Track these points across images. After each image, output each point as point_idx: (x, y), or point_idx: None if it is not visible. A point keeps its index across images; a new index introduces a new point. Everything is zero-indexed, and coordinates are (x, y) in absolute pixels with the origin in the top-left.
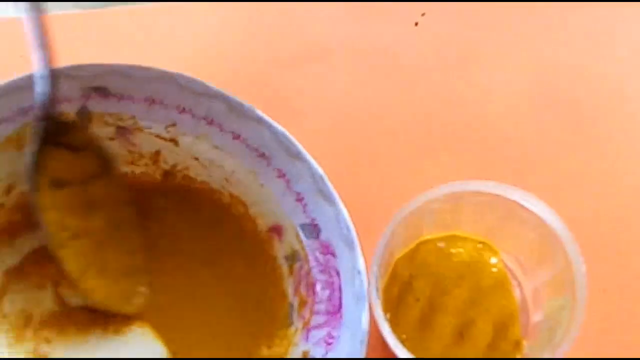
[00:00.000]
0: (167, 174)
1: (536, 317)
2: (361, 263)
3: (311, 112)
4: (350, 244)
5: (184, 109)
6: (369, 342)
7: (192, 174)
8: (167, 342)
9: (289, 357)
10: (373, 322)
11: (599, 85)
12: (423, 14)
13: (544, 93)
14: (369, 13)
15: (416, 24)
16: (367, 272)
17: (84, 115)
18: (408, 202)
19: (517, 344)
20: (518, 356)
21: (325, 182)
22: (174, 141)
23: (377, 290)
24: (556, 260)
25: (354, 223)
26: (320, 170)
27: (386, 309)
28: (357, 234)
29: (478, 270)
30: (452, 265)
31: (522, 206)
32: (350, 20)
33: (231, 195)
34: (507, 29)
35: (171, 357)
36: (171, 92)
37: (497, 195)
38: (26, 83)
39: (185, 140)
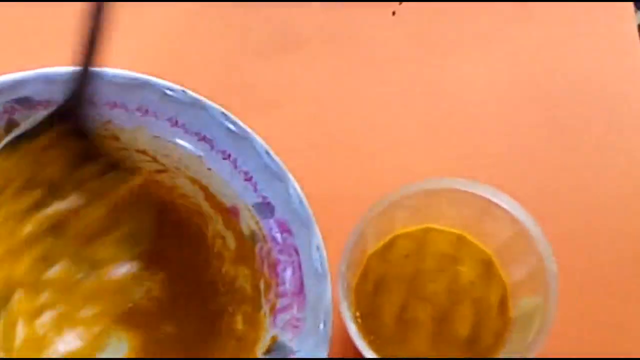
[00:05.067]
0: None
1: (513, 314)
2: (318, 238)
3: (285, 104)
4: (305, 221)
5: (115, 103)
6: (334, 329)
7: (143, 165)
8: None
9: (261, 342)
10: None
11: (578, 80)
12: (400, 3)
13: (523, 87)
14: (345, 2)
15: (393, 13)
16: (336, 272)
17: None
18: (380, 199)
19: (497, 340)
20: (496, 352)
21: (272, 158)
22: (114, 137)
23: (346, 290)
24: (529, 259)
25: (326, 219)
26: (265, 146)
27: (358, 307)
28: (329, 230)
29: (456, 263)
30: (430, 259)
31: (495, 204)
32: (326, 8)
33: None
34: (487, 19)
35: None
36: (98, 89)
37: (470, 193)
38: None
39: (124, 135)
